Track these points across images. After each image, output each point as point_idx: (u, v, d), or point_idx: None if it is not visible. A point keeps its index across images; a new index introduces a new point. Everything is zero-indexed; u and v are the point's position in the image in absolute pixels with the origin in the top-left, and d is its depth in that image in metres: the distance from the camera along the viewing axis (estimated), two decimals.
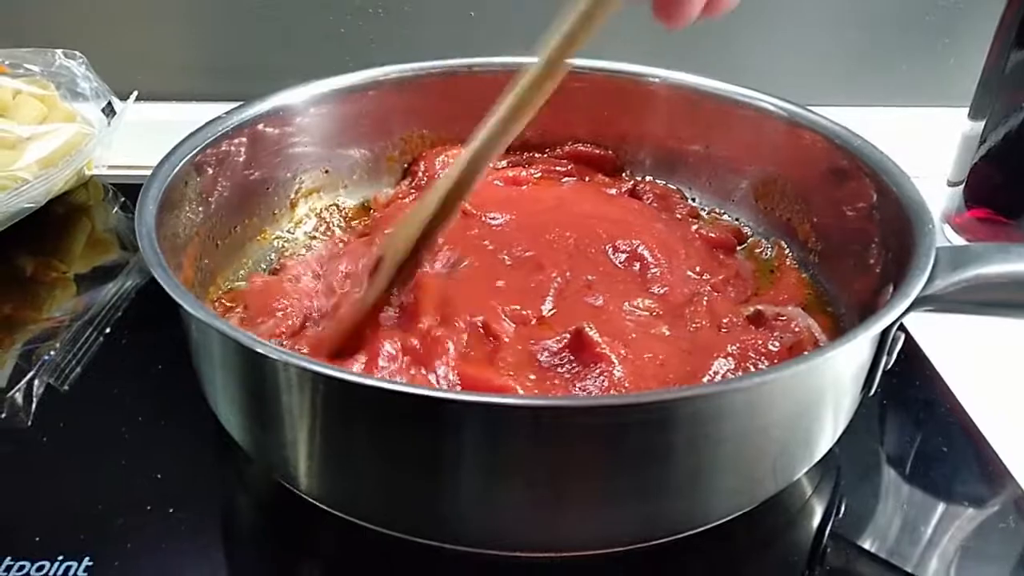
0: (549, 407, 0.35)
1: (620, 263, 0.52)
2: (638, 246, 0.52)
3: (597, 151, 0.63)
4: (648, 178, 0.62)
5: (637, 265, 0.52)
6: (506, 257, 0.52)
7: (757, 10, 0.81)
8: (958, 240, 0.65)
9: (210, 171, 0.50)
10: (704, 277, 0.52)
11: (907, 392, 0.52)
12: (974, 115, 0.64)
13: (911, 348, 0.54)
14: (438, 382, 0.40)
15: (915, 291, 0.38)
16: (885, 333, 0.39)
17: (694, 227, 0.57)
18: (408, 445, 0.35)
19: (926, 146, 0.70)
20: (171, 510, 0.43)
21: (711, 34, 0.81)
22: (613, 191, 0.61)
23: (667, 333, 0.47)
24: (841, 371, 0.38)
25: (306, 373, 0.34)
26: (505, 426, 0.34)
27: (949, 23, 0.81)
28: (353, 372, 0.37)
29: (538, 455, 0.35)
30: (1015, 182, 0.62)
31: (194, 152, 0.48)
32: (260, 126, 0.54)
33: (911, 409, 0.52)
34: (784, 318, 0.48)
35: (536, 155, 0.64)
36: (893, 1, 0.80)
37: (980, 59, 0.63)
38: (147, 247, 0.39)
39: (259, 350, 0.34)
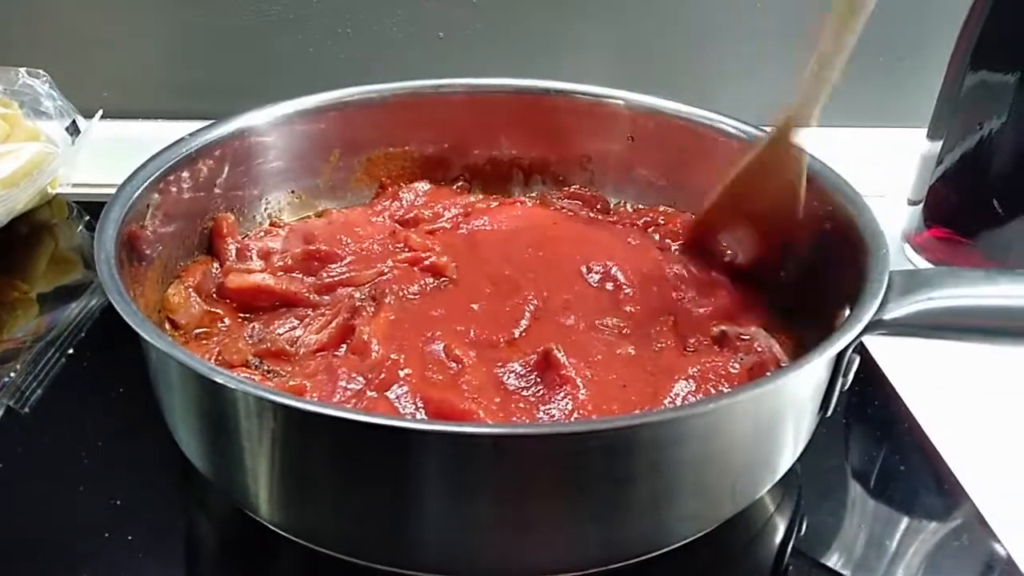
0: (508, 435, 0.35)
1: (594, 283, 0.52)
2: (611, 267, 0.53)
3: (589, 193, 0.63)
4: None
5: (610, 285, 0.52)
6: (484, 278, 0.52)
7: (716, 31, 0.82)
8: (918, 259, 0.66)
9: (173, 193, 0.50)
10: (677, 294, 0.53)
11: (866, 411, 0.53)
12: (932, 135, 0.65)
13: (870, 367, 0.55)
14: (399, 406, 0.41)
15: (867, 316, 0.38)
16: (840, 356, 0.40)
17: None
18: (367, 474, 0.35)
19: (889, 165, 0.72)
20: (129, 537, 0.43)
21: (671, 57, 0.83)
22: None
23: (632, 353, 0.47)
24: (797, 394, 0.39)
25: (264, 402, 0.34)
26: (464, 453, 0.34)
27: (909, 45, 0.82)
28: (311, 401, 0.37)
29: (498, 482, 0.35)
30: (972, 202, 0.63)
31: (157, 174, 0.48)
32: (225, 147, 0.54)
33: (870, 428, 0.53)
34: (747, 338, 0.48)
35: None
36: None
37: (938, 80, 0.64)
38: (105, 274, 0.39)
39: (217, 379, 0.34)
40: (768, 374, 0.44)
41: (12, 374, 0.54)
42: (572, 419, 0.41)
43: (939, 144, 0.64)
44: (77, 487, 0.46)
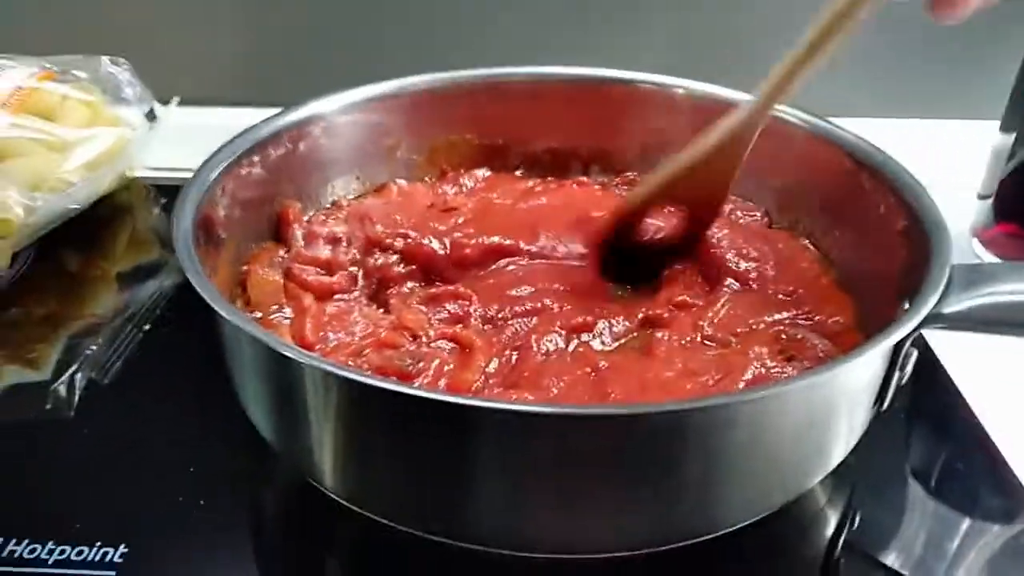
0: (568, 415, 0.36)
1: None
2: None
3: None
4: None
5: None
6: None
7: (787, 24, 0.81)
8: (986, 254, 0.64)
9: (245, 178, 0.52)
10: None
11: (925, 407, 0.53)
12: (1005, 128, 0.63)
13: (931, 362, 0.55)
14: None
15: (925, 310, 0.38)
16: (897, 349, 0.40)
17: None
18: (428, 448, 0.37)
19: (961, 158, 0.70)
20: (202, 502, 0.45)
21: (735, 44, 0.82)
22: None
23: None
24: (850, 386, 0.39)
25: (330, 377, 0.35)
26: (525, 433, 0.36)
27: (982, 36, 0.80)
28: (375, 377, 0.38)
29: (551, 460, 0.36)
30: None
31: (230, 160, 0.50)
32: (293, 134, 0.56)
33: (928, 424, 0.52)
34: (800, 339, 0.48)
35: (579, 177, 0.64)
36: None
37: (1013, 72, 0.62)
38: (183, 252, 0.41)
39: (286, 353, 0.36)
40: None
41: (94, 347, 0.57)
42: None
43: (1011, 137, 0.62)
44: (154, 454, 0.49)
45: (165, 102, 0.74)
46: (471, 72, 0.62)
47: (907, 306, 0.41)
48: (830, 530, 0.46)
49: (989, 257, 0.64)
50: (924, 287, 0.39)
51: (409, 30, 0.82)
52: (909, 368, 0.41)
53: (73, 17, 0.81)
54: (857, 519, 0.46)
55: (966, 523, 0.46)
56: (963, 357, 0.55)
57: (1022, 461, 0.48)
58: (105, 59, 0.72)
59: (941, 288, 0.39)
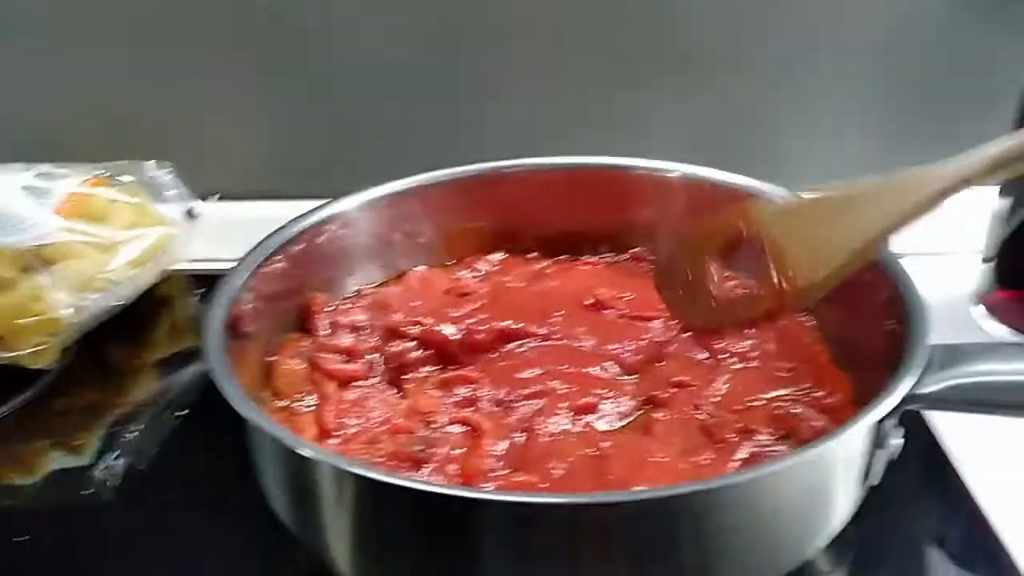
0: (577, 505, 0.38)
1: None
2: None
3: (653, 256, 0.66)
4: None
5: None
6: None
7: (781, 97, 0.85)
8: (987, 320, 0.65)
9: (273, 275, 0.56)
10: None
11: (920, 479, 0.53)
12: (1003, 192, 0.65)
13: (926, 434, 0.56)
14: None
15: (902, 392, 0.40)
16: (878, 429, 0.41)
17: None
18: (435, 537, 0.39)
19: (966, 222, 0.71)
20: None
21: (734, 127, 0.86)
22: None
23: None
24: (832, 467, 0.41)
25: (340, 472, 0.38)
26: (519, 522, 0.38)
27: (979, 101, 0.82)
28: (382, 471, 0.41)
29: (557, 546, 0.38)
30: None
31: (258, 261, 0.54)
32: (318, 232, 0.60)
33: (923, 497, 0.53)
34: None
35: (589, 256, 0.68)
36: (924, 81, 0.83)
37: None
38: (212, 355, 0.45)
39: (299, 450, 0.39)
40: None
41: (133, 433, 0.60)
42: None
43: (1010, 201, 0.64)
44: (184, 542, 0.52)
45: (204, 198, 0.79)
46: (484, 165, 0.66)
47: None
48: None
49: (990, 322, 0.65)
50: (901, 369, 0.41)
51: (430, 126, 0.87)
52: (895, 444, 0.43)
53: (120, 125, 0.88)
54: None
55: None
56: (959, 429, 0.56)
57: (1015, 535, 0.49)
58: (151, 164, 0.78)
59: (917, 373, 0.41)
